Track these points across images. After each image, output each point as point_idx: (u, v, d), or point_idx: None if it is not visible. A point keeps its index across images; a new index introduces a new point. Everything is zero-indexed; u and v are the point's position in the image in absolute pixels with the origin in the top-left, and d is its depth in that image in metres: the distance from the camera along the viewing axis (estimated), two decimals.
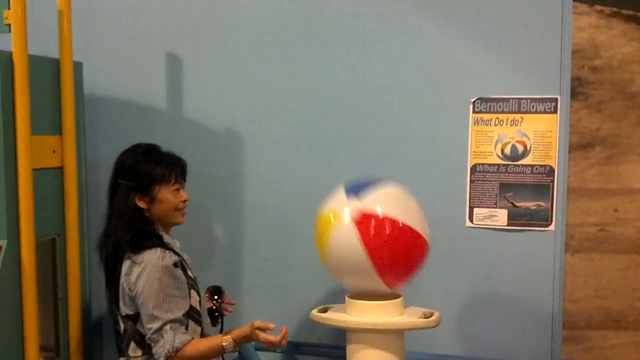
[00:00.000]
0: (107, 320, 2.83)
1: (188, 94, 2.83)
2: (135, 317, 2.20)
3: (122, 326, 2.23)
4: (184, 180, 2.35)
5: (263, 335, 2.17)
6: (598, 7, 2.57)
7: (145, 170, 2.25)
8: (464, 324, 2.65)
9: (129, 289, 2.17)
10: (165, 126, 2.82)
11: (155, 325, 2.13)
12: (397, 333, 2.22)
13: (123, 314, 2.22)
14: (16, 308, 2.20)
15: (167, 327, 2.13)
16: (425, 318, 2.24)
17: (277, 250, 2.80)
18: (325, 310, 2.33)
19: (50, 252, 2.44)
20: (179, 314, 2.17)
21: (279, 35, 2.75)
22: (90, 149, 2.76)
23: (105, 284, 2.32)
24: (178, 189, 2.29)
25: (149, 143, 2.34)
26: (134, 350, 2.22)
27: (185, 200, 2.31)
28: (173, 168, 2.29)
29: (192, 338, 2.18)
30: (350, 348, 2.26)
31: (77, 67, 2.54)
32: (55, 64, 2.41)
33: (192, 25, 2.81)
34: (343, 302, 2.32)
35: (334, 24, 2.72)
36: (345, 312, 2.28)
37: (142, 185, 2.25)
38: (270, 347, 2.23)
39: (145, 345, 2.20)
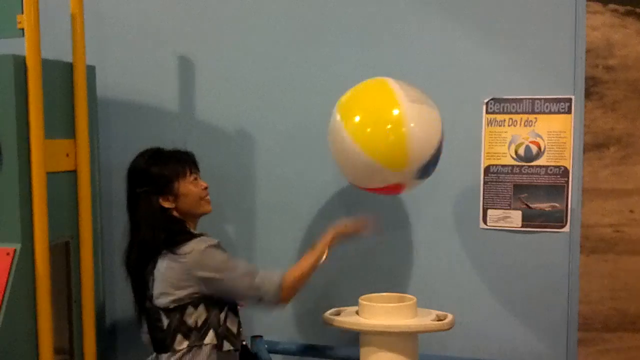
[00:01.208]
0: (121, 322, 2.85)
1: (200, 95, 2.84)
2: (183, 309, 2.22)
3: (165, 322, 2.23)
4: (198, 170, 2.39)
5: (340, 227, 2.32)
6: (612, 6, 2.54)
7: (160, 170, 2.28)
8: (477, 326, 2.64)
9: (180, 279, 2.19)
10: (178, 128, 2.83)
11: (245, 281, 2.20)
12: (411, 336, 2.22)
13: (171, 307, 2.22)
14: (30, 310, 2.21)
15: (257, 274, 2.21)
16: (438, 320, 2.23)
17: (289, 251, 2.79)
18: (338, 313, 2.33)
19: (64, 255, 2.45)
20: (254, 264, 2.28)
21: (290, 36, 2.75)
22: (104, 152, 2.77)
23: (132, 289, 2.33)
24: (196, 179, 2.34)
25: (153, 147, 2.36)
26: (179, 343, 2.23)
27: (206, 188, 2.36)
28: (184, 161, 2.34)
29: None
30: (363, 351, 2.25)
31: (90, 70, 2.55)
32: (68, 68, 2.42)
33: (204, 27, 2.82)
34: (356, 304, 2.31)
35: (346, 25, 2.72)
36: (358, 315, 2.28)
37: (161, 185, 2.27)
38: (353, 234, 2.35)
39: (190, 335, 2.22)
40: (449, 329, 2.22)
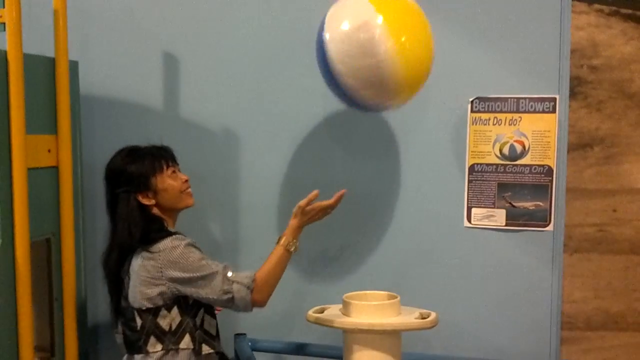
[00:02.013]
0: (102, 320, 2.82)
1: (185, 93, 2.82)
2: (157, 311, 2.20)
3: (139, 322, 2.22)
4: (177, 164, 2.37)
5: (316, 206, 2.25)
6: (597, 6, 2.55)
7: (136, 168, 2.26)
8: (461, 324, 2.64)
9: (155, 279, 2.17)
10: (162, 125, 2.81)
11: (216, 279, 2.15)
12: (394, 334, 2.21)
13: (144, 309, 2.20)
14: (11, 308, 2.19)
15: (229, 273, 2.16)
16: (422, 319, 2.23)
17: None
18: (321, 311, 2.32)
19: (45, 252, 2.43)
20: (225, 263, 2.21)
21: (277, 35, 2.74)
22: (86, 149, 2.75)
23: (108, 289, 2.31)
24: (174, 172, 2.32)
25: (128, 145, 2.35)
26: (153, 346, 2.21)
27: (186, 180, 2.34)
28: (160, 155, 2.32)
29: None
30: (346, 349, 2.24)
31: (73, 65, 2.53)
32: (51, 63, 2.40)
33: (189, 24, 2.80)
34: (340, 302, 2.31)
35: None
36: (342, 313, 2.27)
37: (139, 183, 2.25)
38: (325, 214, 2.29)
39: (164, 339, 2.20)
40: (432, 327, 2.22)
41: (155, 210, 2.29)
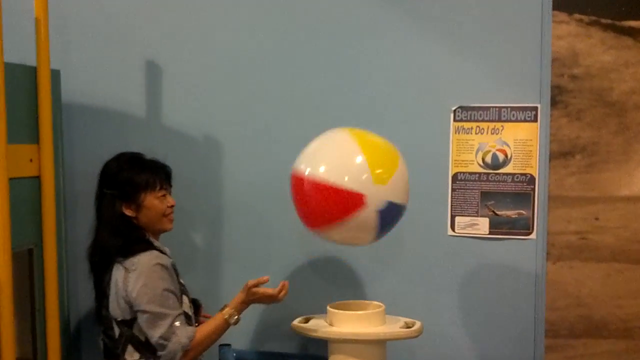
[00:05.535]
0: (85, 331, 2.80)
1: (166, 100, 2.80)
2: (132, 322, 2.20)
3: (116, 331, 2.22)
4: (170, 186, 2.37)
5: (261, 291, 2.21)
6: (577, 16, 2.58)
7: (130, 177, 2.26)
8: (445, 333, 2.64)
9: (126, 294, 2.17)
10: (144, 133, 2.79)
11: (165, 322, 2.14)
12: (379, 343, 2.22)
13: (119, 319, 2.20)
14: None
15: (177, 322, 2.16)
16: (407, 328, 2.24)
17: (256, 257, 2.78)
18: (307, 321, 2.32)
19: (27, 263, 2.40)
20: (182, 309, 2.21)
21: (258, 42, 2.74)
22: (68, 158, 2.73)
23: (94, 292, 2.30)
24: (164, 195, 2.31)
25: (133, 152, 2.34)
26: (130, 354, 2.21)
27: (172, 206, 2.33)
28: (157, 174, 2.30)
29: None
30: (332, 359, 2.24)
31: (55, 74, 2.50)
32: (32, 72, 2.38)
33: (170, 31, 2.79)
34: (325, 312, 2.31)
35: (313, 32, 2.71)
36: (327, 323, 2.27)
37: (127, 193, 2.25)
38: (270, 301, 2.25)
39: (142, 349, 2.20)
40: (417, 336, 2.23)
41: (136, 222, 2.28)
